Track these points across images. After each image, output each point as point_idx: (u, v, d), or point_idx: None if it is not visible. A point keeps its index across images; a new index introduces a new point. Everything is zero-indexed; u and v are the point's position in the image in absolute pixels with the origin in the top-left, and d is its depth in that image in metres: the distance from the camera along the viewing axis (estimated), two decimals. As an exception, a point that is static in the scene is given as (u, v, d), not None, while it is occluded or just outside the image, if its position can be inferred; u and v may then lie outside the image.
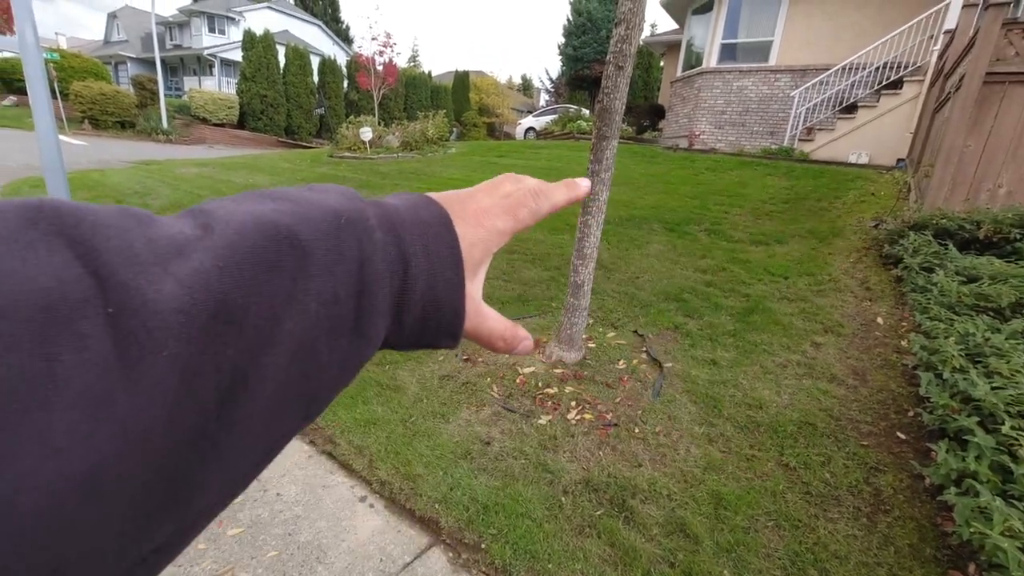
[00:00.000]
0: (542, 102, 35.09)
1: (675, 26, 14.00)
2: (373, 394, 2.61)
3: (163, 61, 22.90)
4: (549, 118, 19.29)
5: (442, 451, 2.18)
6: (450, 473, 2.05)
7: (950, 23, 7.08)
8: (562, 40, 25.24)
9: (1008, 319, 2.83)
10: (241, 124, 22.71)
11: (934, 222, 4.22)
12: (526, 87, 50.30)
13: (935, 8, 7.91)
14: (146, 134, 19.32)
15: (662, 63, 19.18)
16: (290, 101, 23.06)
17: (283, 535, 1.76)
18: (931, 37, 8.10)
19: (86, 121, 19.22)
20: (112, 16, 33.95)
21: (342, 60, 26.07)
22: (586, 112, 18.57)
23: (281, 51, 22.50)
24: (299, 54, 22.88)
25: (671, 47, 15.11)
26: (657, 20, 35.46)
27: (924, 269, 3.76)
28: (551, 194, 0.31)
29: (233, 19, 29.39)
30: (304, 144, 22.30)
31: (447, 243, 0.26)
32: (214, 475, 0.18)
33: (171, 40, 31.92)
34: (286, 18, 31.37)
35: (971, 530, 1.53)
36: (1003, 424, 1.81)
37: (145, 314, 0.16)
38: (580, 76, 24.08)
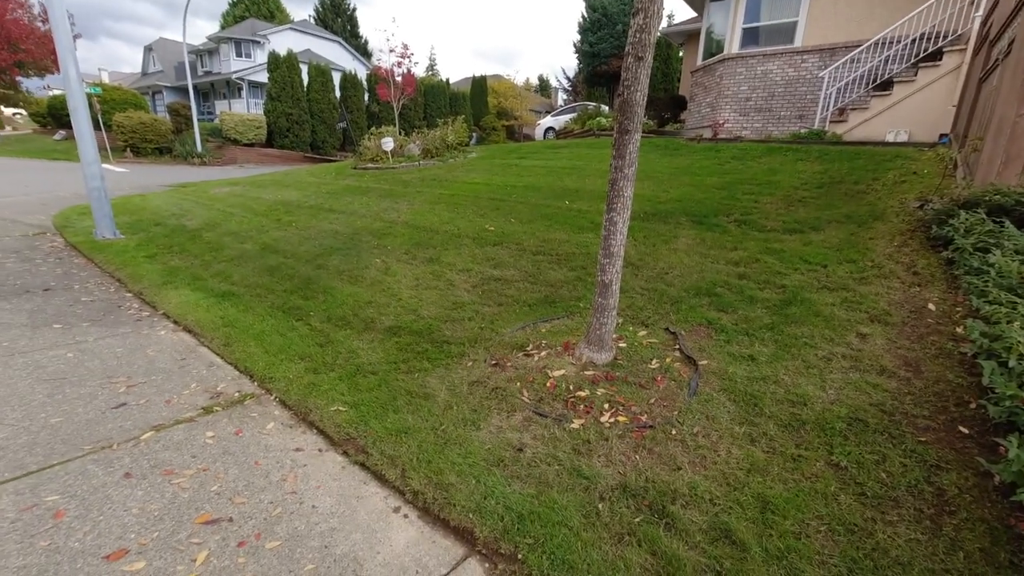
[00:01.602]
0: (560, 101, 34.92)
1: (693, 15, 13.68)
2: (403, 403, 2.61)
3: (195, 88, 23.95)
4: (568, 117, 19.15)
5: (474, 459, 2.16)
6: (483, 481, 2.02)
7: (992, -14, 6.63)
8: (578, 37, 25.05)
9: (1079, 300, 2.59)
10: (269, 142, 23.49)
11: (987, 199, 3.94)
12: (543, 87, 50.17)
13: (975, -28, 7.45)
14: (182, 158, 20.22)
15: (681, 54, 18.76)
16: (314, 117, 23.70)
17: (319, 548, 1.77)
18: (972, 3, 7.62)
19: (128, 149, 20.28)
20: (148, 49, 35.80)
21: (362, 74, 26.65)
22: (605, 109, 18.35)
23: (304, 69, 23.17)
24: (321, 71, 23.50)
25: (690, 36, 14.77)
26: (674, 10, 34.83)
27: (978, 250, 3.51)
28: None
29: (259, 42, 30.48)
30: (329, 158, 22.87)
31: None
32: None
33: (202, 67, 33.37)
34: (308, 37, 32.33)
35: (1053, 534, 1.39)
36: (1083, 416, 1.65)
37: None
38: (598, 72, 23.84)
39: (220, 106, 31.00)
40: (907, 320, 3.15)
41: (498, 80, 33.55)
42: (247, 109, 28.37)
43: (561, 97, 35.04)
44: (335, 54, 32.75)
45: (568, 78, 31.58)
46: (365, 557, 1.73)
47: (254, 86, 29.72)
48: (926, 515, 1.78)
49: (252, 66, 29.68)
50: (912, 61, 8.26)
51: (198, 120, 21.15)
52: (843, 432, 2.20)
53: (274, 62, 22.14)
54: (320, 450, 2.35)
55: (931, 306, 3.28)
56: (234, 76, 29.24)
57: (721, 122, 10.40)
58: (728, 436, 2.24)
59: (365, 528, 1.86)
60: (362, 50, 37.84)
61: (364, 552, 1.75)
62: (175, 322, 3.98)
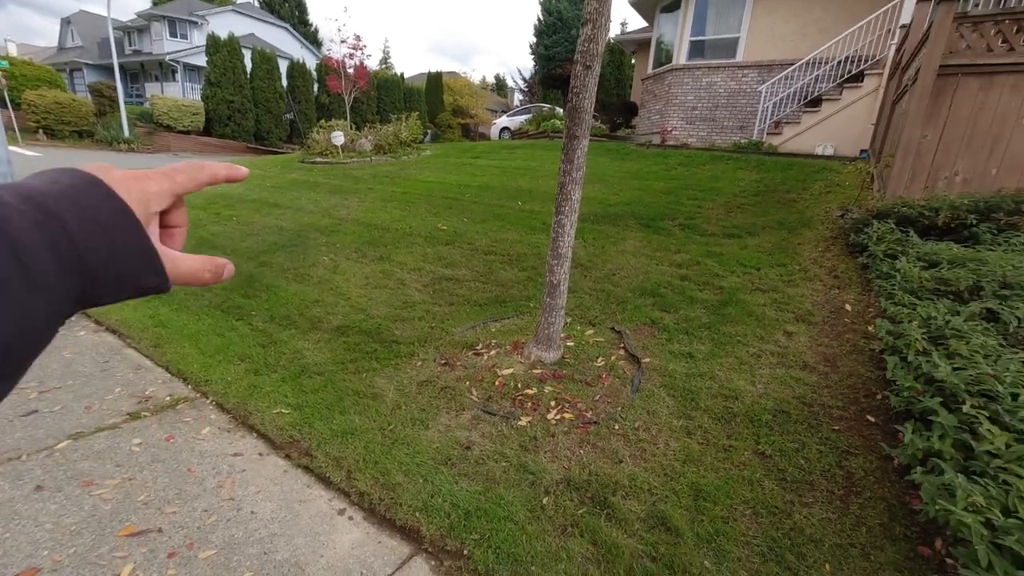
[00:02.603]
0: (516, 102, 35.12)
1: (645, 24, 14.18)
2: (350, 403, 2.56)
3: (122, 67, 22.13)
4: (523, 117, 19.31)
5: (422, 458, 2.16)
6: (431, 480, 2.02)
7: (906, 18, 7.34)
8: (534, 39, 25.30)
9: (967, 301, 2.93)
10: (208, 131, 22.08)
11: (896, 210, 4.37)
12: (500, 87, 50.25)
13: (892, 3, 8.20)
14: (106, 143, 18.61)
15: (633, 61, 19.40)
16: (258, 106, 22.51)
17: (259, 554, 1.71)
18: (889, 32, 8.39)
19: (40, 131, 18.42)
20: (66, 21, 32.65)
21: (311, 63, 25.59)
22: (560, 111, 18.65)
23: (247, 55, 21.95)
24: (266, 58, 22.35)
25: (642, 45, 15.30)
26: (627, 18, 35.92)
27: (888, 256, 3.88)
28: (210, 168, 0.37)
29: (195, 23, 28.57)
30: (275, 150, 21.82)
31: (99, 193, 0.29)
32: None
33: (130, 45, 30.84)
34: (251, 21, 30.63)
35: (936, 507, 1.58)
36: (964, 403, 1.88)
37: None
38: (553, 75, 24.18)
39: (151, 89, 28.78)
40: (827, 319, 3.43)
41: (454, 77, 33.24)
42: (183, 94, 26.51)
43: (517, 97, 35.25)
44: (282, 41, 31.23)
45: (524, 79, 31.82)
46: (308, 561, 1.69)
47: (190, 69, 27.83)
48: (837, 496, 1.97)
49: (188, 48, 27.76)
50: (838, 81, 8.98)
51: (125, 103, 19.56)
52: (769, 423, 2.38)
53: (213, 45, 20.83)
54: (261, 454, 2.27)
55: (848, 307, 3.59)
56: (167, 58, 27.22)
57: (669, 129, 10.86)
58: (667, 429, 2.36)
59: (308, 532, 1.82)
60: (311, 38, 36.33)
61: (307, 556, 1.71)
62: (96, 322, 3.69)
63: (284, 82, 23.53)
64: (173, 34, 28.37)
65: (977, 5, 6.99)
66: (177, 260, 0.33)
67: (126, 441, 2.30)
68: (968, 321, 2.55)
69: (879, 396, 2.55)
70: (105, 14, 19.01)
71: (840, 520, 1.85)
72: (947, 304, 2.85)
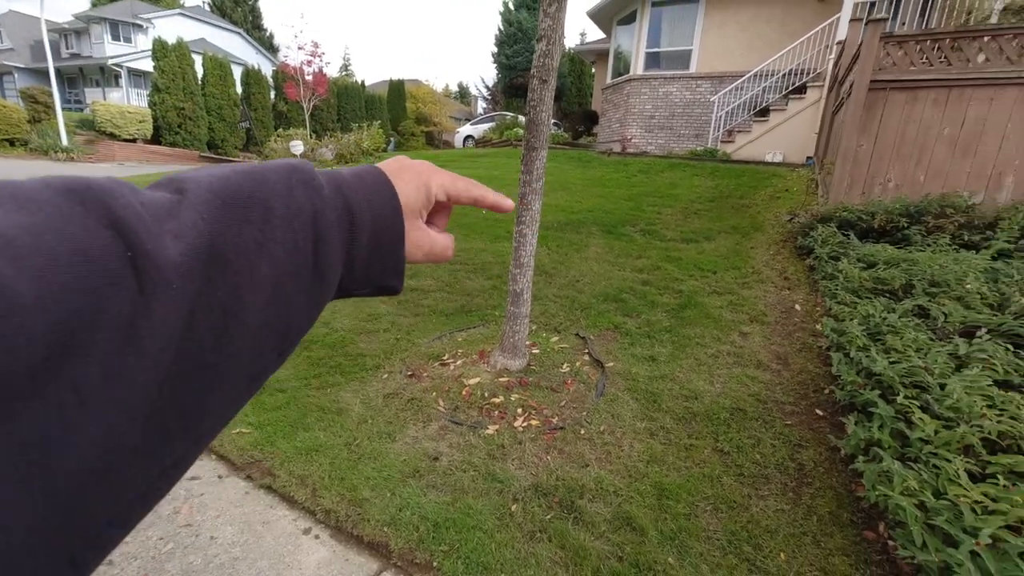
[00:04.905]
0: (479, 110, 35.23)
1: (603, 35, 14.58)
2: (314, 419, 2.51)
3: (59, 72, 20.85)
4: (487, 126, 19.44)
5: (389, 472, 2.13)
6: (398, 493, 2.01)
7: (841, 34, 7.87)
8: (495, 49, 25.51)
9: (901, 299, 3.17)
10: (156, 139, 21.09)
11: (837, 215, 4.66)
12: (463, 95, 50.31)
13: (829, 21, 8.77)
14: (42, 152, 17.46)
15: (593, 70, 19.88)
16: (211, 113, 21.68)
17: (219, 581, 1.65)
18: (827, 47, 8.96)
19: (-33, 139, 17.11)
20: (-5, 22, 30.51)
21: (267, 70, 24.92)
22: (523, 119, 18.88)
23: (198, 60, 21.16)
24: (219, 64, 21.59)
25: (601, 55, 15.72)
26: (586, 29, 36.76)
27: (831, 258, 4.14)
28: (482, 189, 0.42)
29: (140, 26, 27.32)
30: (230, 159, 21.06)
31: (387, 197, 0.32)
32: (216, 399, 0.24)
33: (67, 48, 29.14)
34: (201, 26, 29.56)
35: (877, 493, 1.69)
36: (898, 395, 2.03)
37: (155, 257, 0.20)
38: (515, 84, 24.41)
39: (92, 95, 27.22)
40: (779, 320, 3.62)
41: (417, 85, 33.07)
42: (127, 100, 25.19)
43: (481, 105, 35.35)
44: (235, 46, 30.25)
45: (487, 87, 31.98)
46: (271, 586, 1.64)
47: (136, 75, 26.54)
48: (790, 488, 2.07)
49: (132, 52, 26.46)
50: (784, 92, 9.51)
51: (63, 109, 18.44)
52: (727, 421, 2.49)
53: (160, 49, 19.94)
54: (220, 476, 2.18)
55: (797, 307, 3.80)
56: (110, 62, 25.85)
57: (629, 137, 11.18)
58: (631, 432, 2.43)
59: (272, 554, 1.77)
60: (267, 44, 35.34)
61: (270, 580, 1.66)
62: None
63: (239, 89, 22.80)
64: (116, 37, 27.02)
65: (903, 25, 7.57)
66: (434, 237, 0.39)
67: (70, 470, 2.17)
68: (902, 318, 2.75)
69: (827, 391, 2.71)
70: (38, 15, 17.86)
71: (793, 510, 1.95)
72: (884, 302, 3.06)
